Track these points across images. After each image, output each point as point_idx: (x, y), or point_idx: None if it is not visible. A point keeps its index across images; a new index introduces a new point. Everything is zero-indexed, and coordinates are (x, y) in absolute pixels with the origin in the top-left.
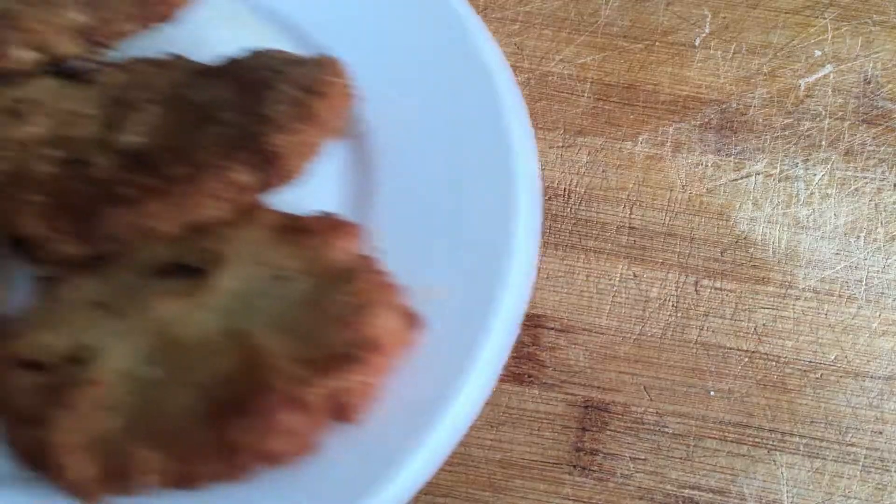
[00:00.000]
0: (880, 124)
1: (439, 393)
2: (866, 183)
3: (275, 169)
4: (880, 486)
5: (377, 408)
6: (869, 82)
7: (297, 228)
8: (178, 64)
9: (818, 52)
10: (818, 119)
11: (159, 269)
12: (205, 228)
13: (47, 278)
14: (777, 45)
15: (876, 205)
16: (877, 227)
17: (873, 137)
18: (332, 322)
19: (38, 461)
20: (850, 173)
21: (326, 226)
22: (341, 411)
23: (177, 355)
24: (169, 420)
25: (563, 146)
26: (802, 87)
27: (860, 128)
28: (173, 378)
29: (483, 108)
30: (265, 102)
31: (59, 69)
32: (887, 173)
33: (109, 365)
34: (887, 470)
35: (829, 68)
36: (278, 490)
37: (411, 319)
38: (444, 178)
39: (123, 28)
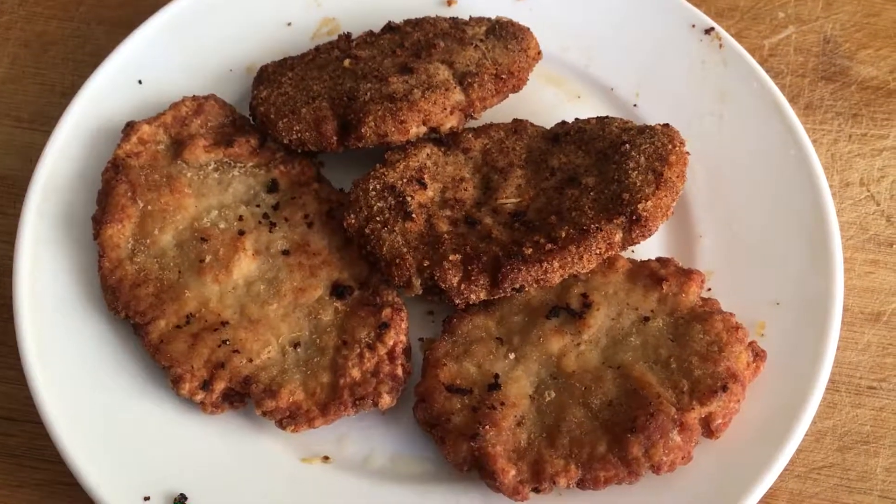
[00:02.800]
0: (837, 80)
1: (788, 413)
2: (823, 135)
3: (640, 229)
4: None
5: (737, 427)
6: (828, 42)
7: (652, 275)
8: (526, 129)
9: (781, 14)
10: (780, 76)
11: (546, 311)
12: (578, 276)
13: (450, 317)
14: (743, 8)
15: (832, 154)
16: (832, 175)
17: (831, 93)
18: (697, 357)
19: (478, 467)
20: (808, 126)
21: (677, 273)
22: (710, 430)
23: (567, 382)
24: (570, 434)
25: None
26: (766, 48)
27: (819, 84)
28: (566, 401)
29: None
30: (625, 170)
31: (437, 138)
32: (843, 125)
33: (516, 390)
34: None
35: (791, 29)
36: (660, 492)
37: (757, 353)
38: (758, 226)
39: (491, 102)
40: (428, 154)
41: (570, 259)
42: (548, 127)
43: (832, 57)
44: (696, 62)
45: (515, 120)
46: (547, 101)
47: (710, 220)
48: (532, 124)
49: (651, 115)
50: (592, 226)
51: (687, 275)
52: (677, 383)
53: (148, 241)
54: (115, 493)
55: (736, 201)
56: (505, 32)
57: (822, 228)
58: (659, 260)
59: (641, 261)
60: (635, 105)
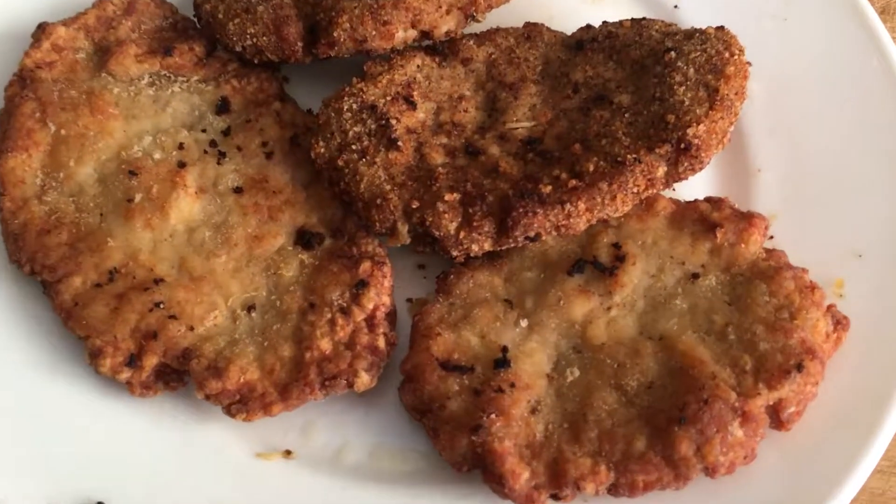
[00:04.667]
0: None
1: (877, 396)
2: None
3: (689, 161)
4: None
5: (813, 416)
6: None
7: (701, 220)
8: (541, 35)
9: None
10: None
11: (567, 266)
12: (608, 221)
13: (445, 273)
14: None
15: None
16: None
17: None
18: (761, 325)
19: (480, 467)
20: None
21: (733, 217)
22: (780, 420)
23: (595, 357)
24: (599, 425)
25: None
26: None
27: None
28: (594, 381)
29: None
30: (670, 85)
31: (429, 46)
32: None
33: (529, 367)
34: None
35: None
36: (716, 500)
37: (838, 320)
38: (833, 155)
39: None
40: (418, 66)
41: (599, 199)
42: (568, 33)
43: None
44: None
45: (528, 24)
46: (566, 1)
47: (771, 149)
48: (549, 29)
49: (696, 18)
50: (628, 156)
51: (746, 219)
52: (737, 360)
53: (61, 174)
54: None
55: (804, 125)
56: None
57: None
58: (709, 200)
59: (687, 202)
60: (675, 6)
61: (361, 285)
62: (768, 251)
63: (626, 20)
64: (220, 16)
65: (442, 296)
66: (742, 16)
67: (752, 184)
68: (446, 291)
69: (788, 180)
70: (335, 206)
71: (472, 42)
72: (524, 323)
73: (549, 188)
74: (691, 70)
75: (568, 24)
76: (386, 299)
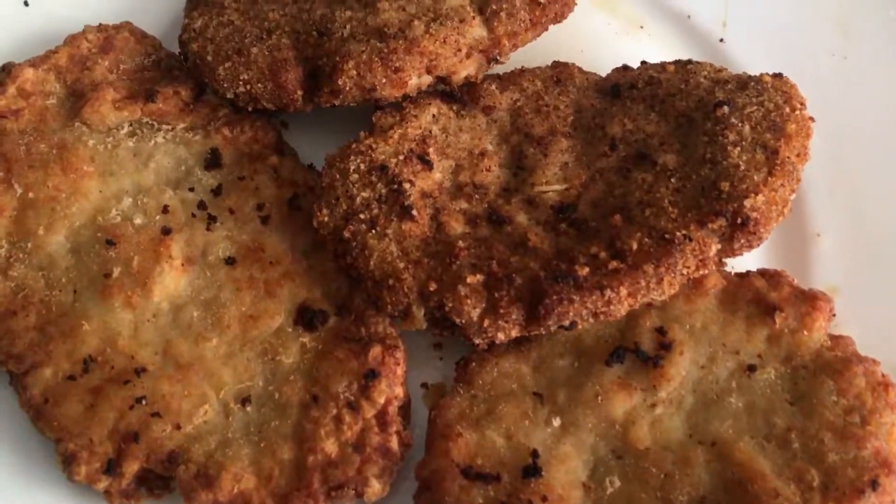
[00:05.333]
0: None
1: None
2: None
3: (746, 237)
4: None
5: None
6: None
7: (757, 300)
8: (572, 78)
9: None
10: None
11: (605, 354)
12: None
13: (466, 359)
14: None
15: None
16: None
17: None
18: (829, 431)
19: None
20: None
21: (793, 298)
22: None
23: (638, 465)
24: None
25: None
26: None
27: None
28: (637, 494)
29: None
30: (723, 145)
31: (446, 91)
32: None
33: (563, 476)
34: None
35: None
36: None
37: None
38: None
39: (524, 38)
40: (434, 115)
41: (643, 283)
42: (601, 73)
43: None
44: None
45: (556, 63)
46: (597, 31)
47: (831, 211)
48: (580, 70)
49: (744, 54)
50: (677, 233)
51: (808, 301)
52: (803, 474)
53: (29, 244)
54: None
55: (868, 184)
56: None
57: None
58: (764, 274)
59: (739, 275)
60: (721, 40)
61: (371, 375)
62: (833, 338)
63: (670, 64)
64: (209, 58)
65: (462, 386)
66: (796, 53)
67: (809, 250)
68: (467, 381)
69: (851, 248)
70: (340, 277)
71: (494, 86)
72: (556, 421)
73: (585, 270)
74: (747, 128)
75: (600, 58)
76: (399, 391)
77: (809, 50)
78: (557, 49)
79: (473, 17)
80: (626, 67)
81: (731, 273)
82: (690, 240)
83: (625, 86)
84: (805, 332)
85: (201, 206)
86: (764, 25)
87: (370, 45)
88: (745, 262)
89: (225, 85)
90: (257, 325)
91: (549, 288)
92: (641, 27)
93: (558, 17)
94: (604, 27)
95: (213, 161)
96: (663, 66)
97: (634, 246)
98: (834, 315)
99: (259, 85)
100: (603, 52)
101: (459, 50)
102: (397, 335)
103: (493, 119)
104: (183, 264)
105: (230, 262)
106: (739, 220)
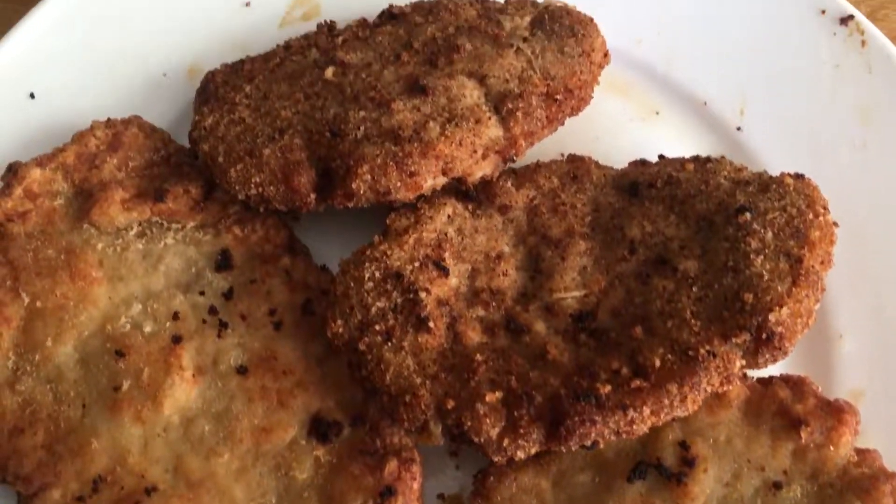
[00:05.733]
0: None
1: None
2: None
3: (771, 352)
4: None
5: None
6: None
7: (782, 413)
8: (589, 174)
9: None
10: None
11: (626, 470)
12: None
13: (484, 473)
14: None
15: None
16: None
17: None
18: None
19: None
20: None
21: (819, 410)
22: None
23: None
24: None
25: None
26: None
27: None
28: None
29: None
30: (745, 253)
31: (461, 190)
32: None
33: None
34: None
35: None
36: None
37: None
38: None
39: (540, 136)
40: (449, 216)
41: (667, 402)
42: (617, 162)
43: None
44: (826, 66)
45: (572, 157)
46: (612, 117)
47: (853, 311)
48: (597, 164)
49: (761, 143)
50: (701, 350)
51: (834, 415)
52: None
53: (37, 356)
54: None
55: (892, 281)
56: (557, 25)
57: None
58: (788, 382)
59: (761, 381)
60: (739, 128)
61: (388, 493)
62: (860, 452)
63: (689, 161)
64: (221, 159)
65: (480, 500)
66: (814, 142)
67: (832, 352)
68: (485, 497)
69: (875, 350)
70: (354, 385)
71: (509, 183)
72: None
73: (607, 388)
74: (769, 234)
75: (615, 146)
76: None
77: (828, 140)
78: (572, 136)
79: (489, 117)
80: (643, 162)
81: (753, 380)
82: (714, 356)
83: (643, 184)
84: (831, 448)
85: (212, 311)
86: (781, 114)
87: (385, 149)
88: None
89: (237, 187)
90: (270, 439)
91: (571, 407)
92: (657, 113)
93: (574, 112)
94: (619, 113)
95: (223, 262)
96: (682, 163)
97: (657, 363)
98: (859, 425)
99: (271, 188)
100: (618, 139)
101: (475, 151)
102: (413, 446)
103: (509, 219)
104: (194, 375)
105: (242, 371)
106: (764, 336)
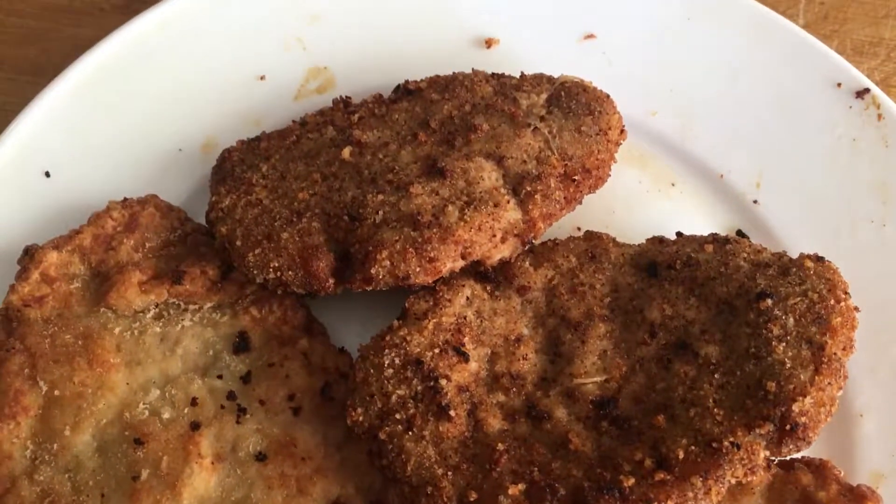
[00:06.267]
0: None
1: None
2: None
3: (794, 442)
4: None
5: None
6: None
7: (805, 499)
8: (607, 253)
9: None
10: None
11: None
12: None
13: None
14: (891, 42)
15: None
16: None
17: None
18: None
19: None
20: None
21: (841, 497)
22: None
23: None
24: None
25: None
26: None
27: None
28: None
29: None
30: (767, 340)
31: (480, 271)
32: None
33: None
34: None
35: None
36: None
37: None
38: None
39: (558, 216)
40: (468, 298)
41: (691, 494)
42: (634, 234)
43: None
44: (843, 139)
45: (589, 235)
46: (628, 189)
47: (873, 391)
48: (615, 242)
49: (778, 217)
50: (725, 442)
51: (857, 501)
52: None
53: (55, 445)
54: None
55: None
56: (574, 103)
57: None
58: (809, 466)
59: (783, 465)
60: (755, 201)
61: None
62: None
63: (708, 242)
64: (238, 242)
65: None
66: (832, 218)
67: (852, 432)
68: None
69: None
70: (373, 471)
71: (527, 263)
72: None
73: (631, 480)
74: (791, 320)
75: (632, 218)
76: None
77: (846, 215)
78: (589, 209)
79: (508, 200)
80: (661, 240)
81: (775, 462)
82: (738, 447)
83: (662, 265)
84: None
85: (231, 396)
86: (799, 188)
87: (404, 234)
88: None
89: (255, 272)
90: None
91: (595, 501)
92: (673, 185)
93: (591, 190)
94: (635, 184)
95: (241, 345)
96: (701, 244)
97: (681, 454)
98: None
99: (290, 273)
100: (634, 211)
101: (494, 235)
102: None
103: (527, 300)
104: (213, 462)
105: (261, 457)
106: (788, 427)
